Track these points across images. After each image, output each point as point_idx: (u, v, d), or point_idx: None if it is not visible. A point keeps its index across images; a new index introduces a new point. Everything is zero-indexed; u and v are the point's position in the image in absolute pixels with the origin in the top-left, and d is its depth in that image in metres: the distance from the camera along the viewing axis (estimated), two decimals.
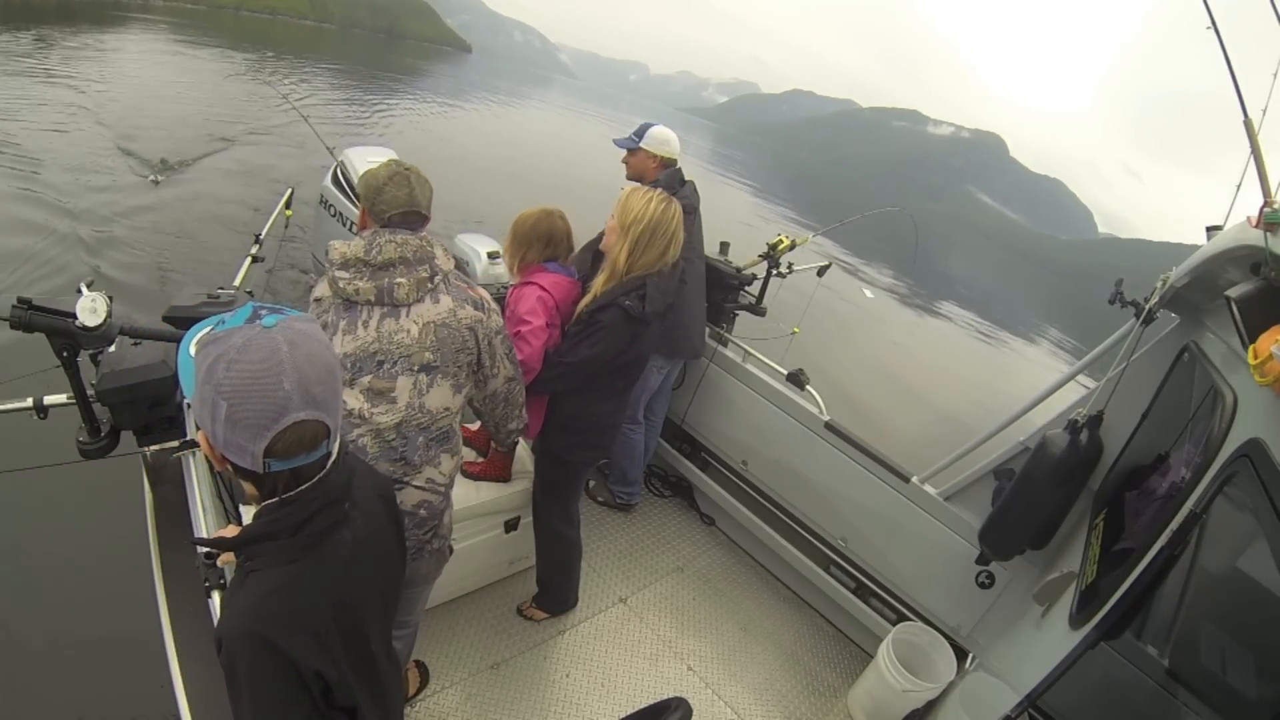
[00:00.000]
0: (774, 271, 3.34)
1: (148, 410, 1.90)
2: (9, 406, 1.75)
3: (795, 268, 3.44)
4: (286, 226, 3.72)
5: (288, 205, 3.86)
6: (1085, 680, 1.59)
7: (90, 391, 1.82)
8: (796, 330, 3.77)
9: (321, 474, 0.93)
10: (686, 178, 2.78)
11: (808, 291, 3.71)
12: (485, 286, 2.16)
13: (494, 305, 1.73)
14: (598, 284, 2.08)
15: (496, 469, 2.43)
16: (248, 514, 0.99)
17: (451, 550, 1.85)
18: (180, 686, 1.53)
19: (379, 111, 17.93)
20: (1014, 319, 23.30)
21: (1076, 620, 1.69)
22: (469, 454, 2.43)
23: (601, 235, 2.24)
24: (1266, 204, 1.31)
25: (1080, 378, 2.38)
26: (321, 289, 1.58)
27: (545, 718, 2.28)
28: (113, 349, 1.85)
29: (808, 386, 2.96)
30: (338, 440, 0.96)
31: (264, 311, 0.87)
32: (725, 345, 3.19)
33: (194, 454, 1.92)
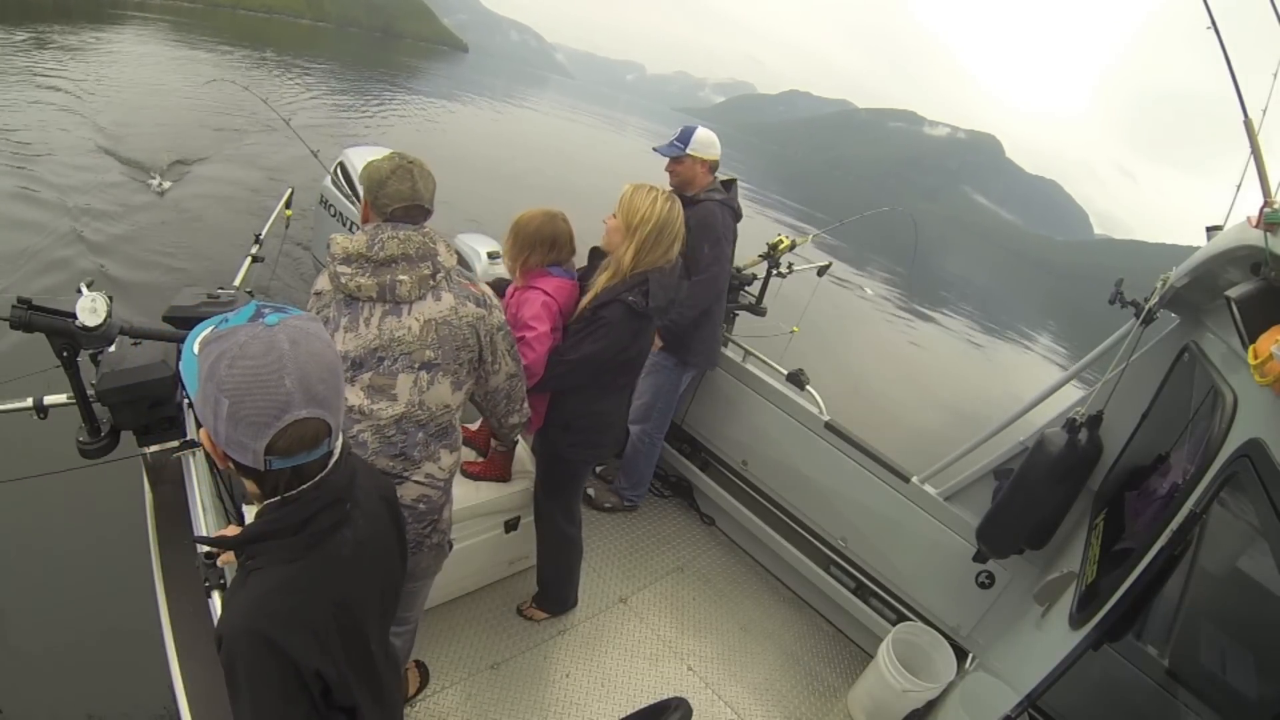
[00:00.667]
0: (774, 271, 3.34)
1: (148, 410, 1.90)
2: (9, 406, 1.75)
3: (795, 268, 3.45)
4: (287, 226, 3.71)
5: (288, 205, 3.85)
6: (1085, 680, 1.59)
7: (90, 391, 1.82)
8: (796, 330, 3.77)
9: (323, 473, 0.93)
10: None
11: (807, 291, 3.72)
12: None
13: (496, 301, 1.73)
14: (600, 282, 2.08)
15: (496, 469, 2.42)
16: (250, 513, 0.99)
17: (451, 545, 1.85)
18: (180, 686, 1.53)
19: (376, 111, 17.95)
20: (1011, 320, 23.32)
21: (1076, 620, 1.69)
22: (469, 454, 2.43)
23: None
24: (1266, 204, 1.31)
25: (1080, 378, 2.38)
26: (322, 282, 1.58)
27: (545, 718, 2.28)
28: (113, 349, 1.85)
29: (808, 386, 2.96)
30: (340, 439, 0.96)
31: (267, 310, 0.88)
32: (725, 345, 3.19)
33: (194, 454, 1.92)
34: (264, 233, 3.44)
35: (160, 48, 19.09)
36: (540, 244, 2.12)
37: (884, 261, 19.30)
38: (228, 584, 1.41)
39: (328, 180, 4.23)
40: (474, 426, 2.47)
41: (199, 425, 0.89)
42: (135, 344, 1.88)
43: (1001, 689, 1.94)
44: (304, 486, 0.91)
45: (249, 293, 2.52)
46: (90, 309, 1.67)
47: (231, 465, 0.89)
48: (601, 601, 2.78)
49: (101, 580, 2.79)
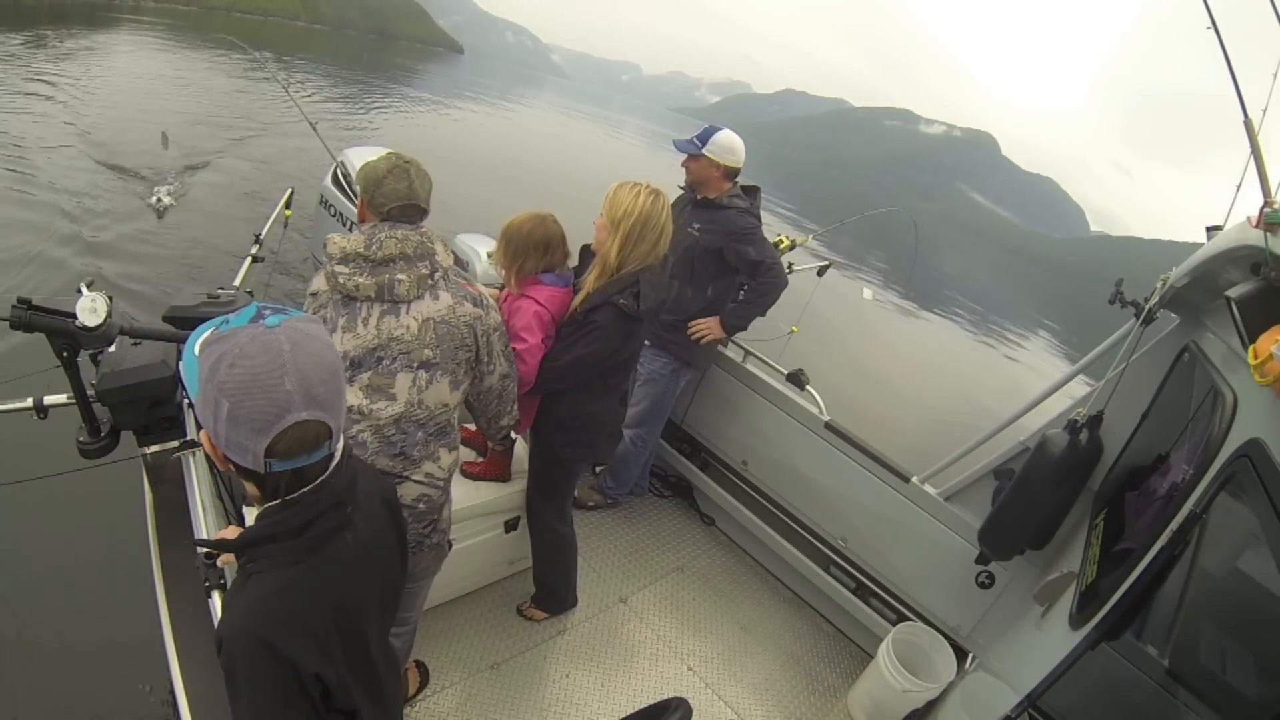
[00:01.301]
0: None
1: (148, 410, 1.90)
2: (9, 406, 1.75)
3: (795, 268, 3.45)
4: (286, 226, 3.71)
5: (288, 205, 3.85)
6: (1085, 680, 1.59)
7: (90, 391, 1.82)
8: (795, 329, 3.77)
9: (324, 476, 0.93)
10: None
11: (807, 292, 3.71)
12: (484, 286, 2.15)
13: (492, 302, 1.73)
14: (589, 282, 2.06)
15: (496, 469, 2.42)
16: (250, 515, 0.99)
17: (451, 545, 1.85)
18: (180, 686, 1.53)
19: (372, 112, 17.96)
20: (1008, 318, 23.33)
21: (1076, 620, 1.69)
22: (468, 454, 2.43)
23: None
24: (1266, 204, 1.31)
25: (1080, 378, 2.38)
26: (319, 283, 1.57)
27: (545, 718, 2.28)
28: (113, 349, 1.85)
29: (808, 386, 2.96)
30: (341, 442, 0.96)
31: (267, 311, 0.88)
32: (725, 345, 3.19)
33: (194, 454, 1.92)
34: (264, 233, 3.44)
35: (157, 50, 19.09)
36: (534, 248, 2.08)
37: (881, 262, 19.30)
38: (228, 585, 1.41)
39: (327, 180, 4.22)
40: (473, 427, 2.47)
41: (199, 426, 0.89)
42: (135, 344, 1.89)
43: (1001, 689, 1.94)
44: (304, 489, 0.91)
45: (249, 293, 2.52)
46: (90, 309, 1.67)
47: (232, 467, 0.89)
48: (601, 601, 2.78)
49: (101, 580, 2.79)
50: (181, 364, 0.93)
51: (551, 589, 2.59)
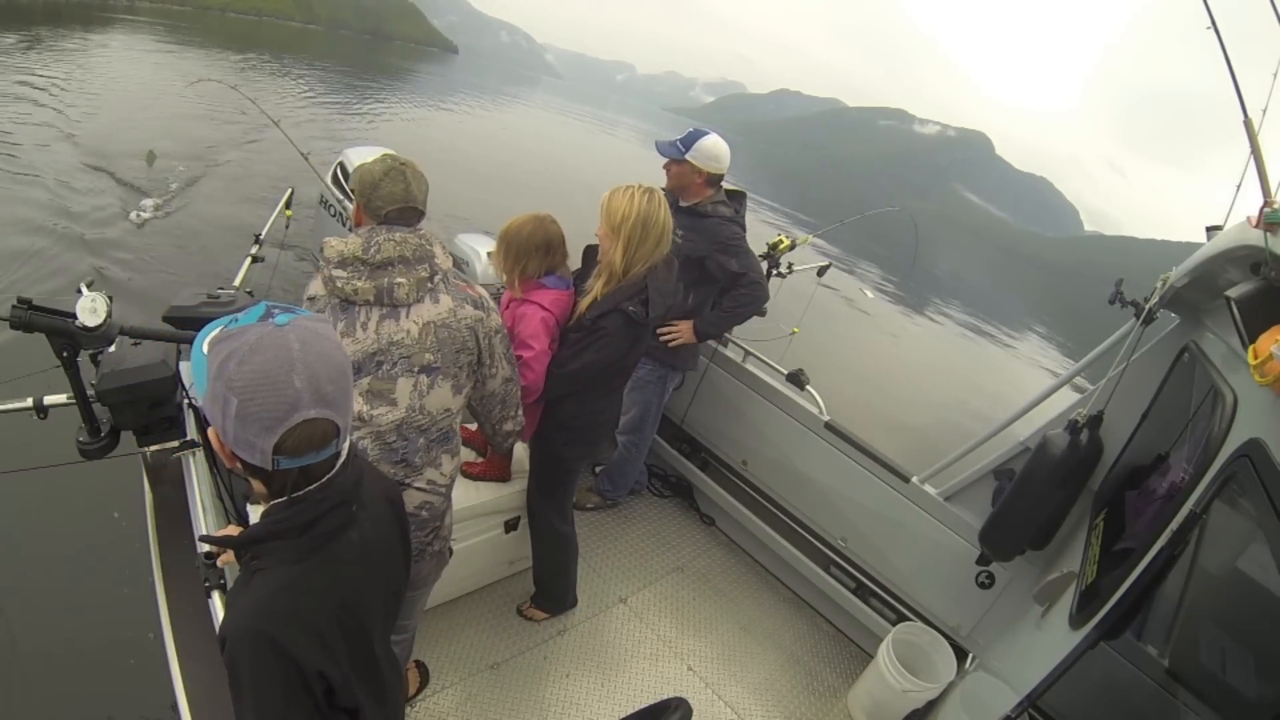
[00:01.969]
0: (774, 272, 3.34)
1: (148, 410, 1.90)
2: (9, 406, 1.75)
3: (795, 268, 3.44)
4: (287, 226, 3.71)
5: (288, 205, 3.85)
6: (1085, 680, 1.59)
7: (90, 391, 1.82)
8: (796, 330, 3.77)
9: (330, 474, 0.93)
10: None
11: (807, 292, 3.72)
12: (484, 286, 2.15)
13: (493, 304, 1.71)
14: (597, 288, 2.06)
15: (496, 469, 2.42)
16: (255, 513, 1.00)
17: (451, 552, 1.84)
18: (180, 686, 1.53)
19: (369, 112, 17.96)
20: (1004, 318, 23.36)
21: (1076, 620, 1.69)
22: (468, 454, 2.43)
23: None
24: (1266, 204, 1.31)
25: (1079, 378, 2.38)
26: (316, 287, 1.55)
27: (545, 718, 2.28)
28: (113, 349, 1.85)
29: (808, 386, 2.96)
30: (348, 441, 0.96)
31: (277, 310, 0.88)
32: (725, 345, 3.19)
33: (194, 454, 1.92)
34: (264, 233, 3.44)
35: (150, 51, 19.07)
36: (535, 250, 2.07)
37: (877, 262, 19.31)
38: (228, 585, 1.41)
39: (328, 180, 4.23)
40: (473, 426, 2.47)
41: (206, 424, 0.89)
42: (135, 344, 1.88)
43: (1001, 689, 1.94)
44: (311, 487, 0.91)
45: (249, 293, 2.52)
46: (90, 309, 1.67)
47: (239, 464, 0.89)
48: (601, 601, 2.78)
49: (102, 580, 2.79)
50: (188, 362, 0.94)
51: (552, 589, 2.59)
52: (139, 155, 8.33)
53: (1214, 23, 1.54)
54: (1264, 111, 1.46)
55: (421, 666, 2.26)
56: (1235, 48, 1.55)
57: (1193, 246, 1.70)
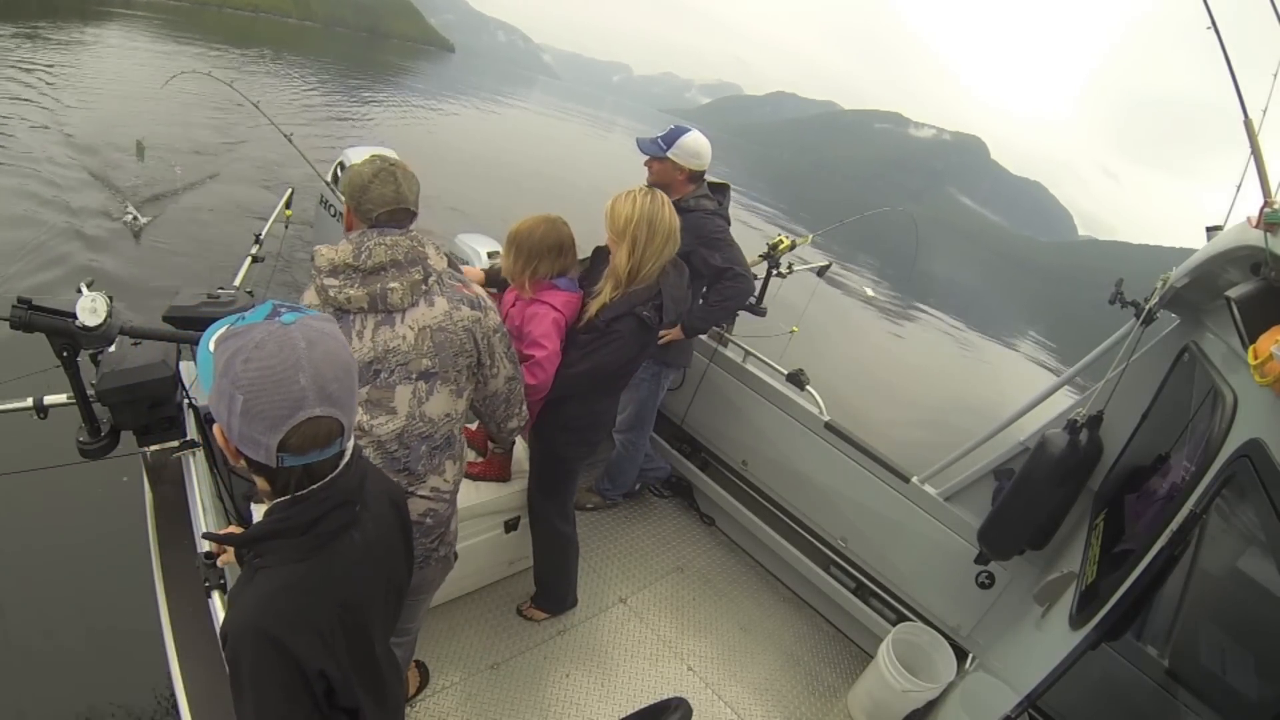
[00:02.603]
0: (774, 272, 3.34)
1: (148, 410, 1.90)
2: (9, 406, 1.75)
3: (795, 268, 3.45)
4: (286, 227, 3.72)
5: (288, 205, 3.86)
6: (1085, 680, 1.59)
7: (90, 391, 1.82)
8: (795, 330, 3.77)
9: (334, 473, 0.93)
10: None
11: (806, 292, 3.72)
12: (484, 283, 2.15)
13: (490, 303, 1.68)
14: (606, 291, 2.05)
15: (496, 469, 2.42)
16: (259, 511, 1.00)
17: (456, 557, 1.83)
18: (180, 686, 1.53)
19: (364, 112, 17.96)
20: (999, 321, 23.40)
21: (1076, 620, 1.69)
22: (468, 454, 2.43)
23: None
24: (1266, 204, 1.31)
25: (1079, 378, 2.38)
26: (309, 296, 1.51)
27: (545, 718, 2.28)
28: (113, 349, 1.85)
29: (808, 386, 2.96)
30: (352, 440, 0.97)
31: (283, 309, 0.89)
32: (725, 345, 3.19)
33: (194, 454, 1.92)
34: (264, 233, 3.45)
35: (143, 48, 19.05)
36: (547, 252, 2.06)
37: (875, 261, 19.32)
38: (228, 584, 1.41)
39: (327, 179, 4.23)
40: (473, 426, 2.47)
41: (208, 423, 0.90)
42: (135, 344, 1.88)
43: (1001, 689, 1.94)
44: (314, 486, 0.92)
45: (249, 293, 2.52)
46: (90, 309, 1.67)
47: (244, 461, 0.90)
48: (601, 601, 2.78)
49: (102, 580, 2.79)
50: (188, 362, 0.95)
51: (552, 588, 2.59)
52: (131, 150, 8.28)
53: (1214, 23, 1.54)
54: (1264, 112, 1.46)
55: (421, 666, 2.26)
56: (1235, 48, 1.55)
57: (1187, 252, 1.70)
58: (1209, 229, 1.66)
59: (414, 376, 1.51)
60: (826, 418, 2.84)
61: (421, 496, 1.59)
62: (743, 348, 3.18)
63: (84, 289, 1.69)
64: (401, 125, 17.76)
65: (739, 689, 2.57)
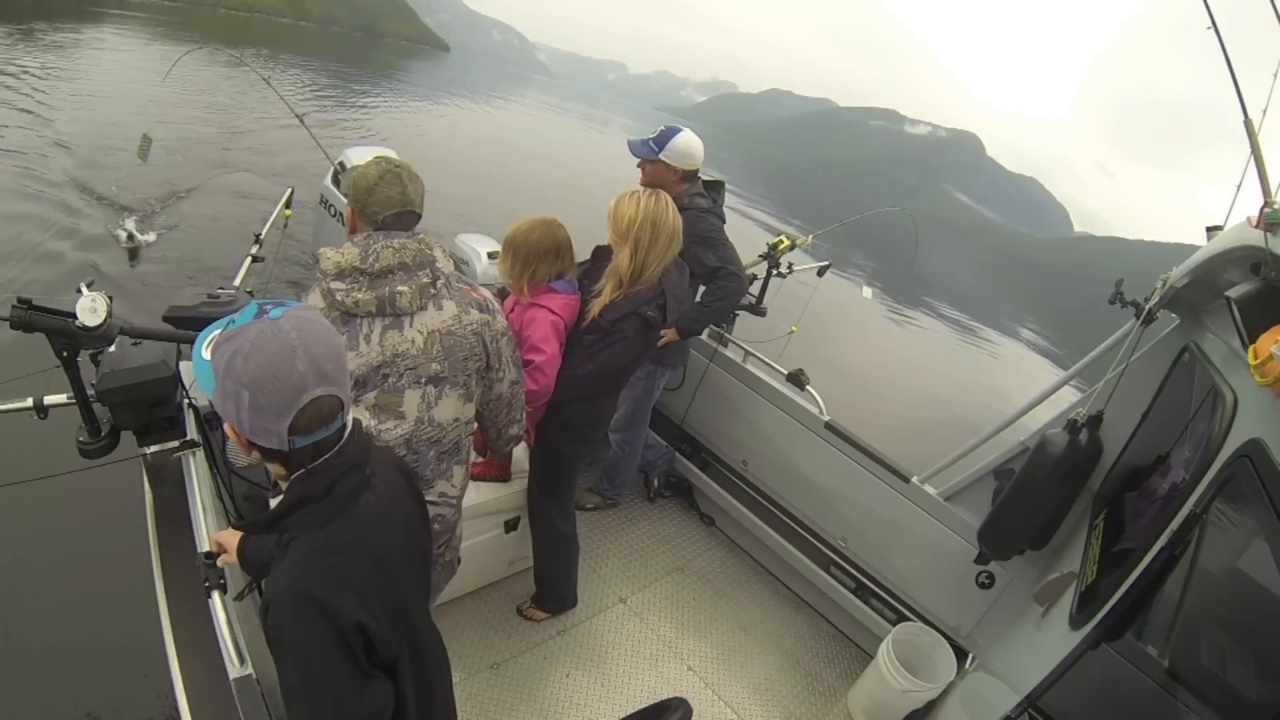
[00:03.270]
0: (774, 272, 3.34)
1: (148, 410, 1.89)
2: (9, 406, 1.75)
3: (795, 268, 3.44)
4: (286, 226, 3.71)
5: (287, 205, 3.85)
6: (1085, 680, 1.59)
7: (90, 391, 1.82)
8: (795, 330, 3.77)
9: (340, 444, 1.00)
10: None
11: (807, 292, 3.72)
12: (484, 287, 2.14)
13: (497, 306, 1.68)
14: (607, 291, 2.05)
15: (496, 469, 2.42)
16: (275, 503, 1.04)
17: (460, 561, 1.83)
18: (180, 686, 1.53)
19: (361, 111, 17.97)
20: (994, 317, 23.38)
21: (1076, 620, 1.69)
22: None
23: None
24: (1266, 204, 1.31)
25: (1079, 378, 2.38)
26: (314, 299, 1.48)
27: (545, 718, 2.28)
28: (113, 349, 1.85)
29: (808, 387, 2.96)
30: (350, 413, 1.03)
31: (268, 306, 0.95)
32: (725, 345, 3.19)
33: (194, 454, 1.92)
34: (264, 232, 3.44)
35: (144, 47, 19.04)
36: (545, 255, 2.05)
37: (873, 260, 19.31)
38: (228, 585, 1.41)
39: (328, 179, 4.22)
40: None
41: (208, 424, 0.93)
42: (135, 344, 1.88)
43: (1001, 689, 1.94)
44: (325, 457, 0.98)
45: (249, 292, 2.52)
46: (90, 309, 1.66)
47: (258, 452, 0.97)
48: (601, 601, 2.78)
49: (101, 580, 2.79)
50: (188, 362, 0.99)
51: (553, 588, 2.59)
52: (131, 151, 8.25)
53: (1214, 23, 1.54)
54: (1264, 112, 1.46)
55: None
56: (1235, 48, 1.55)
57: (1181, 247, 1.70)
58: (1209, 229, 1.66)
59: (423, 381, 1.50)
60: (826, 418, 2.84)
61: (429, 502, 1.56)
62: (743, 348, 3.18)
63: (84, 289, 1.69)
64: (399, 125, 17.75)
65: (739, 689, 2.57)
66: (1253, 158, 1.45)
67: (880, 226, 4.24)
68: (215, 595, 1.40)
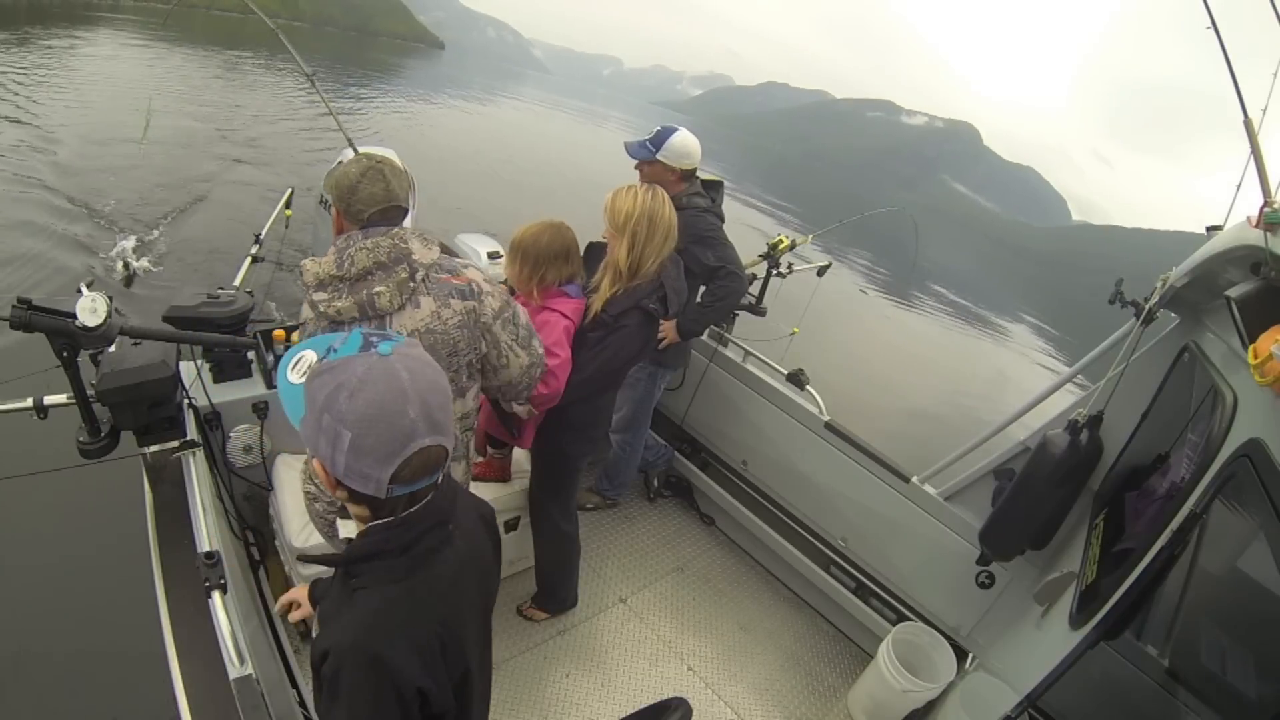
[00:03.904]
0: (774, 272, 3.34)
1: (148, 410, 1.89)
2: (9, 406, 1.75)
3: (795, 268, 3.44)
4: (286, 226, 3.71)
5: (288, 205, 3.85)
6: (1085, 680, 1.59)
7: (90, 391, 1.82)
8: (796, 330, 3.77)
9: (430, 496, 0.94)
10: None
11: (807, 292, 3.71)
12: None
13: (488, 288, 1.61)
14: (604, 286, 2.04)
15: (496, 469, 2.42)
16: (345, 528, 1.00)
17: None
18: (180, 687, 1.52)
19: (361, 111, 17.97)
20: (994, 307, 23.34)
21: (1077, 620, 1.69)
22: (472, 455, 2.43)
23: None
24: (1266, 204, 1.31)
25: (1079, 378, 2.38)
26: (305, 312, 1.49)
27: (545, 718, 2.28)
28: (113, 349, 1.84)
29: (808, 387, 2.96)
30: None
31: (375, 339, 0.88)
32: (725, 345, 3.19)
33: (194, 454, 1.92)
34: (264, 233, 3.45)
35: (140, 50, 19.01)
36: (554, 258, 2.03)
37: (872, 257, 19.30)
38: (228, 585, 1.41)
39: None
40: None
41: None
42: (135, 344, 1.88)
43: (1002, 689, 1.94)
44: (414, 509, 0.92)
45: (249, 293, 2.52)
46: (90, 309, 1.66)
47: (344, 492, 0.90)
48: (601, 601, 2.78)
49: (101, 581, 2.79)
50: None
51: (554, 588, 2.59)
52: (130, 151, 8.23)
53: (1214, 23, 1.54)
54: (1264, 111, 1.46)
55: None
56: (1235, 47, 1.55)
57: (1180, 236, 1.70)
58: (1209, 228, 1.66)
59: None
60: (826, 418, 2.84)
61: None
62: (743, 348, 3.18)
63: (84, 289, 1.69)
64: (397, 124, 17.75)
65: (739, 689, 2.57)
66: (1252, 157, 1.45)
67: (879, 223, 4.22)
68: (215, 595, 1.40)
